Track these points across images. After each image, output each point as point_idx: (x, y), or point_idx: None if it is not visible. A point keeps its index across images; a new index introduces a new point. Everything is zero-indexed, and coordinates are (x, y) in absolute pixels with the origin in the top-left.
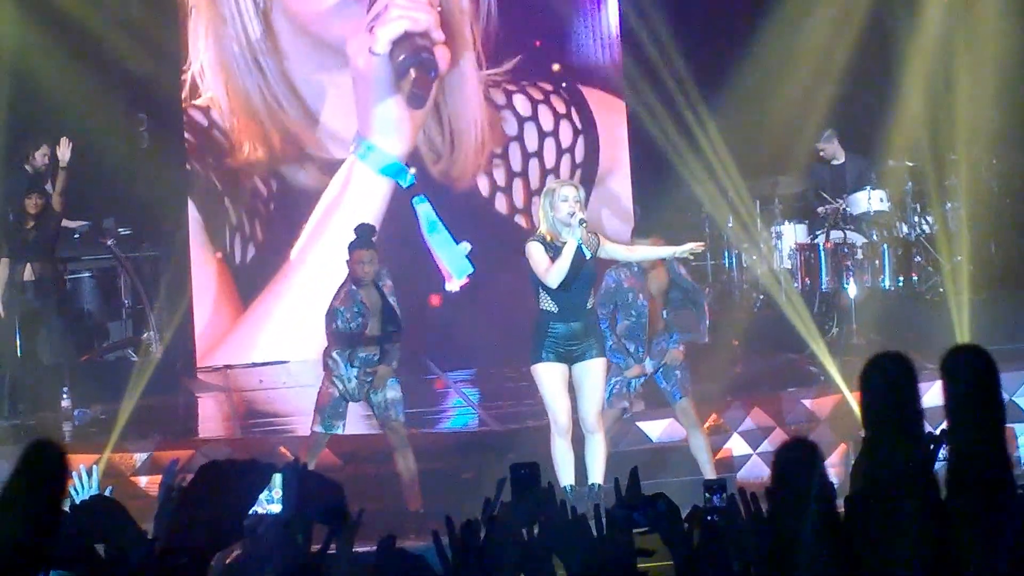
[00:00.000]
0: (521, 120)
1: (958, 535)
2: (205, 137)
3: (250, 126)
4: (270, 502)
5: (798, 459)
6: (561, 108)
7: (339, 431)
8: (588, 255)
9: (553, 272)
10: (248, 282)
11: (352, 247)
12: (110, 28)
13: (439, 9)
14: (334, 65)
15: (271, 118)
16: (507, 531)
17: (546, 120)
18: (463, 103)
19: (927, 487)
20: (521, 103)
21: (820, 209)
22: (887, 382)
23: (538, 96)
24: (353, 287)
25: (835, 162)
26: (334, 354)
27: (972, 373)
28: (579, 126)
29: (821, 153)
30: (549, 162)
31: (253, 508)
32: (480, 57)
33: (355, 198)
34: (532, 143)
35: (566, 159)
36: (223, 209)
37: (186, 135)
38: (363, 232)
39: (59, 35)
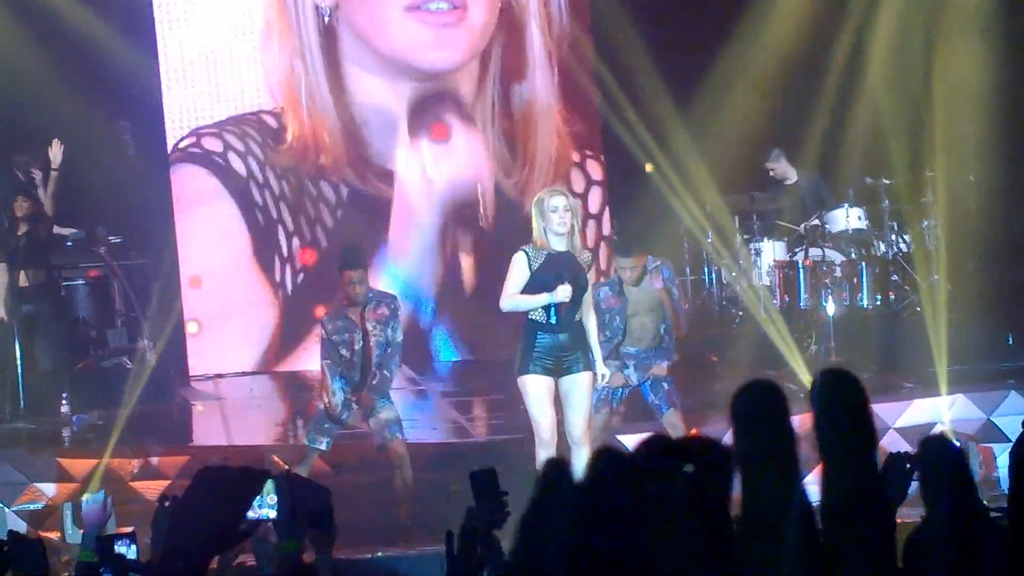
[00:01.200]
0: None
1: (834, 570)
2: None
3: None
4: (266, 508)
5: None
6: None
7: (321, 447)
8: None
9: (511, 301)
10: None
11: (341, 267)
12: (91, 33)
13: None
14: (395, 77)
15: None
16: (474, 534)
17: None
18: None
19: (803, 521)
20: None
21: (801, 226)
22: (757, 413)
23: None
24: (344, 303)
25: (787, 181)
26: (324, 364)
27: (840, 397)
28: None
29: (771, 173)
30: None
31: (248, 513)
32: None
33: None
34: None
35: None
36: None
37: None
38: (352, 252)
39: (42, 41)
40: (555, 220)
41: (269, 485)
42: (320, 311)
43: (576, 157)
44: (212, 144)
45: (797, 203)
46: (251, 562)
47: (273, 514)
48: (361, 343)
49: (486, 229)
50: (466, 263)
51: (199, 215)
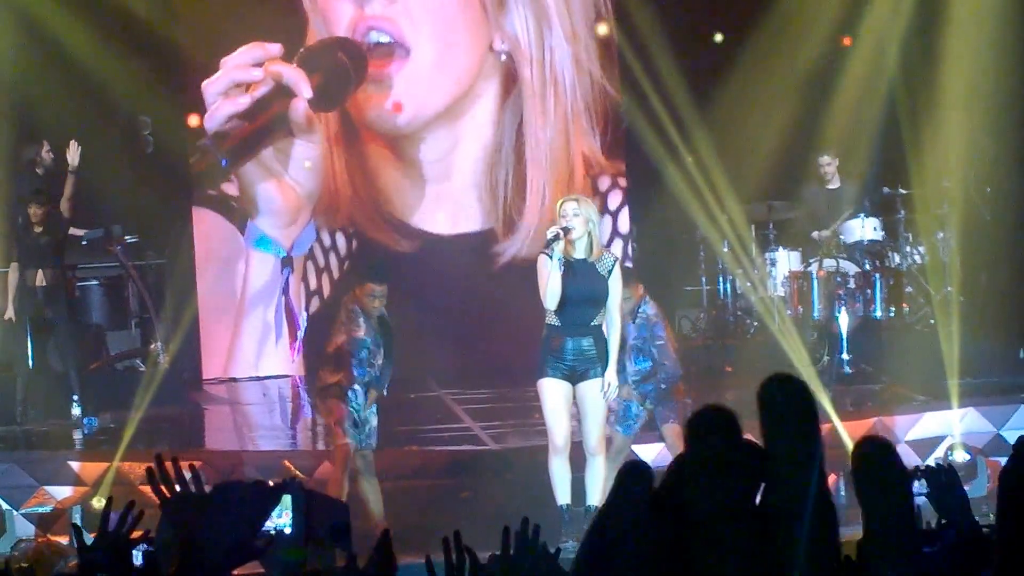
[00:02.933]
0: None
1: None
2: None
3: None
4: (283, 523)
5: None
6: None
7: (354, 443)
8: (578, 262)
9: (543, 293)
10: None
11: (367, 278)
12: (113, 32)
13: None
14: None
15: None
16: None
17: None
18: None
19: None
20: None
21: (815, 234)
22: (709, 434)
23: None
24: (358, 308)
25: (830, 186)
26: (346, 381)
27: (785, 401)
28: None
29: (823, 168)
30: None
31: (264, 528)
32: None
33: None
34: None
35: None
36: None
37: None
38: (380, 267)
39: (61, 40)
40: (560, 223)
41: (286, 500)
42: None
43: (616, 178)
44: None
45: (834, 210)
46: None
47: (289, 529)
48: (373, 344)
49: (499, 248)
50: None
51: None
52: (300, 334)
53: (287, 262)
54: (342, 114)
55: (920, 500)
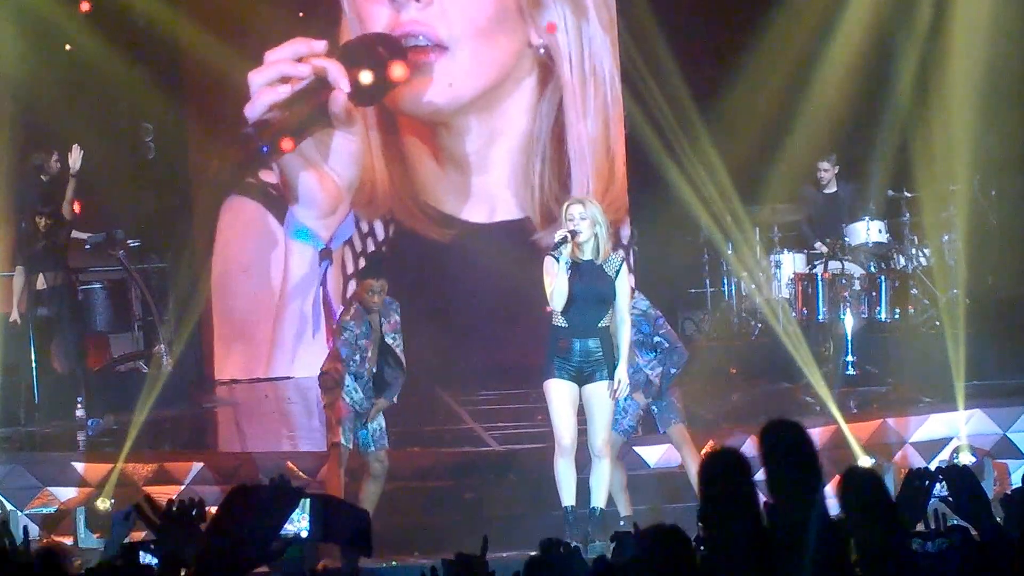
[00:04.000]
0: None
1: None
2: None
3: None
4: (300, 527)
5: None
6: None
7: (350, 447)
8: (587, 263)
9: (550, 294)
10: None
11: (363, 275)
12: (115, 37)
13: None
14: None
15: None
16: None
17: None
18: None
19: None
20: None
21: (818, 244)
22: (725, 476)
23: None
24: (362, 308)
25: (828, 190)
26: (340, 364)
27: (788, 448)
28: None
29: (822, 173)
30: None
31: (281, 532)
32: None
33: None
34: None
35: None
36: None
37: None
38: (375, 262)
39: (64, 46)
40: (567, 227)
41: (304, 504)
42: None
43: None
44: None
45: (833, 213)
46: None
47: (306, 533)
48: (377, 347)
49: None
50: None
51: (235, 236)
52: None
53: (326, 254)
54: (380, 106)
55: (933, 501)
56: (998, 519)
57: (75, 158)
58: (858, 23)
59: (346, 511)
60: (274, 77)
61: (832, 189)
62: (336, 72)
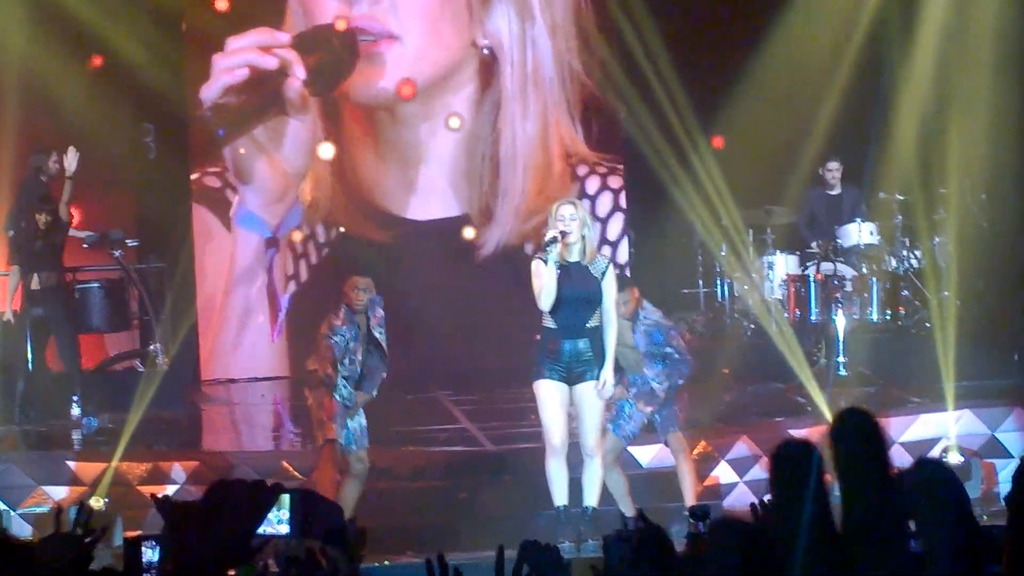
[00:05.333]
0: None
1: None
2: None
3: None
4: (278, 523)
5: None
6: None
7: (343, 443)
8: (574, 265)
9: (538, 295)
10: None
11: (350, 272)
12: (118, 39)
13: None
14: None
15: None
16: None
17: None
18: None
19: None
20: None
21: (814, 244)
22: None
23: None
24: (349, 310)
25: (832, 192)
26: (332, 364)
27: (857, 435)
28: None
29: (831, 174)
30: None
31: (261, 529)
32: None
33: None
34: None
35: None
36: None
37: None
38: (362, 259)
39: (67, 46)
40: (556, 227)
41: (283, 500)
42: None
43: (595, 166)
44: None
45: (834, 214)
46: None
47: (285, 530)
48: (364, 345)
49: (485, 245)
50: (469, 274)
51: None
52: (281, 315)
53: (272, 243)
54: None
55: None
56: (984, 517)
57: (71, 160)
58: (854, 27)
59: (323, 507)
60: (240, 64)
61: (836, 191)
62: (290, 58)
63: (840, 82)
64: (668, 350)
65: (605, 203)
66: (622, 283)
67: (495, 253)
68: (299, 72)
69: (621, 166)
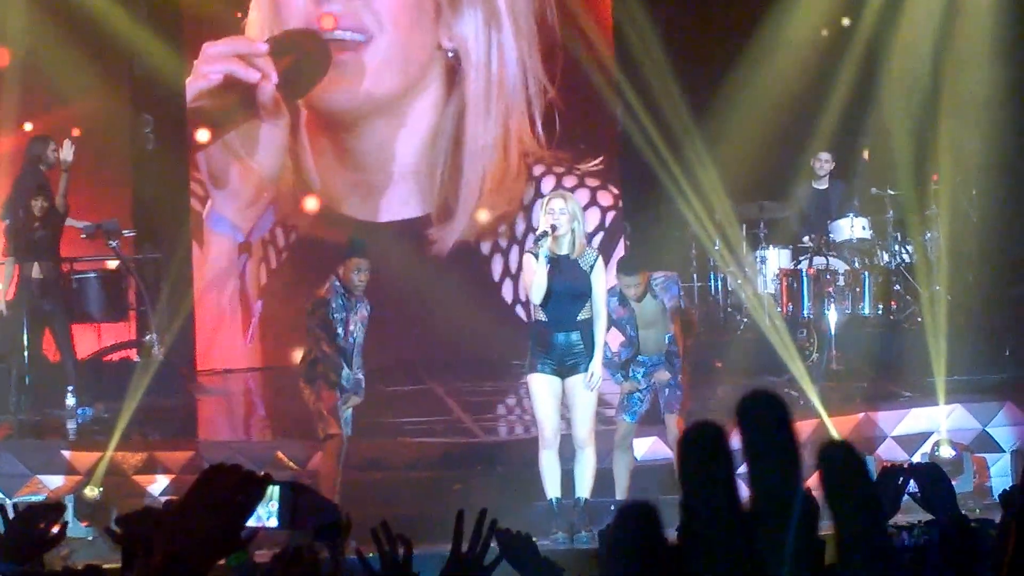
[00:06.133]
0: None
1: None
2: None
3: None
4: (268, 516)
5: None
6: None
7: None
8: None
9: (529, 288)
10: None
11: (350, 254)
12: (119, 30)
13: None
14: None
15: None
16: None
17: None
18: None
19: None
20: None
21: (806, 239)
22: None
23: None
24: (337, 283)
25: (820, 186)
26: (324, 346)
27: (765, 420)
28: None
29: (821, 165)
30: None
31: (250, 520)
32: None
33: None
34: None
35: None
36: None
37: None
38: (361, 243)
39: (66, 35)
40: (549, 222)
41: (273, 492)
42: None
43: (552, 166)
44: None
45: (823, 208)
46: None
47: (274, 522)
48: (353, 328)
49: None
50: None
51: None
52: (254, 321)
53: (245, 247)
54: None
55: (904, 498)
56: (977, 511)
57: (67, 151)
58: (842, 26)
59: (315, 501)
60: (220, 72)
61: (824, 185)
62: (263, 62)
63: (833, 77)
64: (684, 304)
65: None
66: (633, 267)
67: (452, 249)
68: (273, 76)
69: (582, 166)
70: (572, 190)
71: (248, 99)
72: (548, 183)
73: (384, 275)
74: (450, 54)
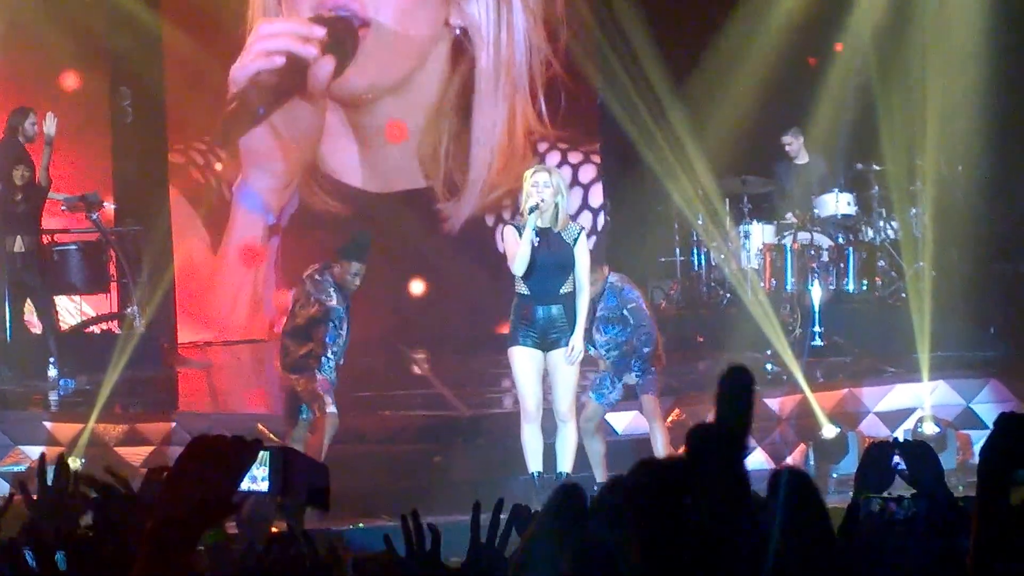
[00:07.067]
0: None
1: None
2: None
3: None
4: (261, 480)
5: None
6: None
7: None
8: (549, 232)
9: (513, 260)
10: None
11: (349, 256)
12: (98, 2)
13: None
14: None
15: None
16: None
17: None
18: None
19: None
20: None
21: (789, 215)
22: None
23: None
24: (330, 279)
25: (798, 161)
26: (324, 349)
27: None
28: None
29: (787, 148)
30: None
31: (241, 485)
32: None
33: None
34: None
35: None
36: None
37: None
38: (361, 246)
39: (48, 10)
40: (535, 196)
41: (263, 457)
42: None
43: (556, 142)
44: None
45: (804, 185)
46: (233, 529)
47: (265, 486)
48: (348, 326)
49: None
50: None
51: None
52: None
53: (275, 230)
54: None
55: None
56: (960, 488)
57: (49, 124)
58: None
59: (306, 465)
60: (280, 49)
61: (803, 160)
62: (318, 45)
63: (817, 50)
64: (623, 313)
65: (565, 175)
66: (592, 262)
67: (461, 226)
68: (327, 61)
69: (588, 142)
70: (576, 167)
71: (298, 79)
72: (553, 159)
73: (391, 247)
74: (457, 31)
